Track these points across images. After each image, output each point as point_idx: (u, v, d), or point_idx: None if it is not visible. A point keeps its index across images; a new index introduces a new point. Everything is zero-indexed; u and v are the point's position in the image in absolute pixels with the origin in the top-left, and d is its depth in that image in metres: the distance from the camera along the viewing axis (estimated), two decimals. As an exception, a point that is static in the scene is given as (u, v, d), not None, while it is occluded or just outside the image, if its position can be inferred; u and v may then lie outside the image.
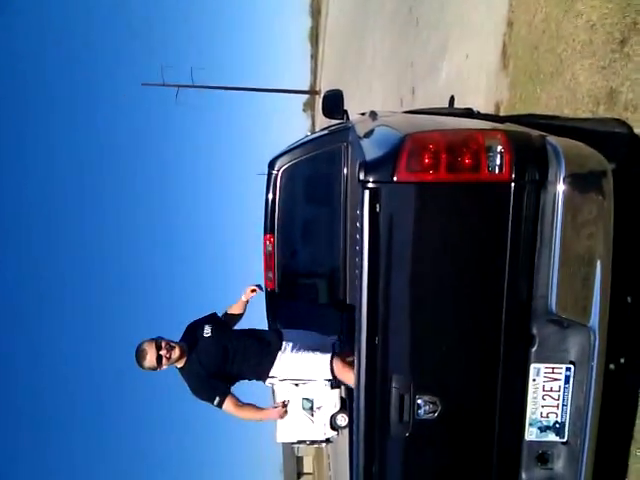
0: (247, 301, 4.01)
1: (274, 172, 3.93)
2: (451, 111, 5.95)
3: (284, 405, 3.78)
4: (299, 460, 41.75)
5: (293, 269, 4.05)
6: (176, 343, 3.66)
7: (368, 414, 2.12)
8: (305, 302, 4.07)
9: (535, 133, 2.20)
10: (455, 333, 2.15)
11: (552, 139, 2.11)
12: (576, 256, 2.04)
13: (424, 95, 8.83)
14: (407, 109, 10.11)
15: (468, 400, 2.19)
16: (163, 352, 3.56)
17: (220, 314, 4.03)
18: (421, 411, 2.12)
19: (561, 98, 3.99)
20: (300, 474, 43.73)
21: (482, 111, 5.68)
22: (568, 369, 2.14)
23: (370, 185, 2.06)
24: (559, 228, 2.04)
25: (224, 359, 3.65)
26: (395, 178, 2.05)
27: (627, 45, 3.17)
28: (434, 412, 2.12)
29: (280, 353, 3.64)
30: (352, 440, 2.23)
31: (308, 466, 42.76)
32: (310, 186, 4.12)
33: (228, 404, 3.65)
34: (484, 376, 2.16)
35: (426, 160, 2.07)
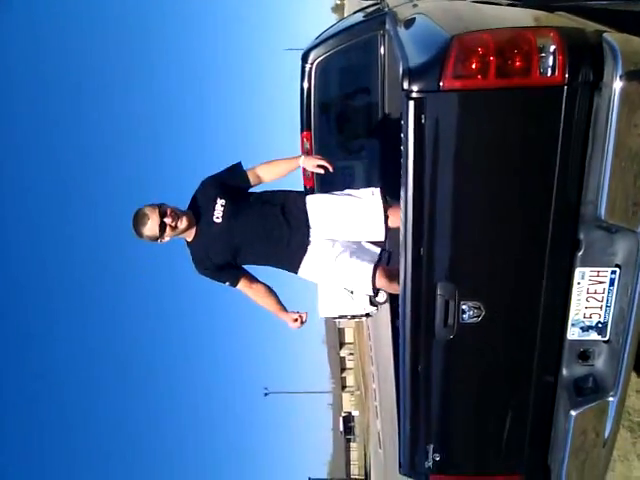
0: (294, 169, 3.27)
1: (308, 65, 3.80)
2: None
3: (302, 321, 3.26)
4: (341, 331, 44.12)
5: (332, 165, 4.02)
6: (183, 212, 3.09)
7: (414, 320, 2.21)
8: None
9: (591, 29, 2.06)
10: (501, 240, 2.17)
11: (609, 36, 1.97)
12: (629, 163, 1.98)
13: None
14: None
15: (512, 304, 2.25)
16: (168, 220, 2.99)
17: (246, 167, 3.25)
18: (465, 315, 2.19)
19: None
20: (342, 344, 46.45)
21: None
22: (613, 272, 2.15)
23: (414, 95, 1.99)
24: (612, 133, 1.96)
25: (234, 255, 3.18)
26: (441, 86, 1.98)
27: None
28: (478, 316, 2.19)
29: (306, 257, 3.15)
30: (399, 343, 2.34)
31: (349, 336, 45.27)
32: (346, 79, 4.00)
33: (242, 286, 3.23)
34: (528, 280, 2.20)
35: (474, 65, 1.98)
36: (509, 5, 3.07)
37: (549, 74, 1.97)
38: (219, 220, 3.09)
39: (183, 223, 3.05)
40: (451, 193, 2.11)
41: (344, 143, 4.10)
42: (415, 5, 3.51)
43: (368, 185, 3.39)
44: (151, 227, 3.00)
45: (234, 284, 3.21)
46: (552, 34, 1.98)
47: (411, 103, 2.00)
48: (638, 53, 2.02)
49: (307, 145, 3.86)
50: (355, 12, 4.84)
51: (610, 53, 1.96)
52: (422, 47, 2.20)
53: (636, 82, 1.98)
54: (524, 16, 2.47)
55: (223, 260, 3.17)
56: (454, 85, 1.98)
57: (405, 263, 2.14)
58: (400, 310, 2.26)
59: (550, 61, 1.96)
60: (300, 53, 3.81)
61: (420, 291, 2.17)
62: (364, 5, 4.75)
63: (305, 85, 3.77)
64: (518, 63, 1.98)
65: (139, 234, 3.04)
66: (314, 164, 3.20)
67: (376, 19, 3.74)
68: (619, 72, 1.95)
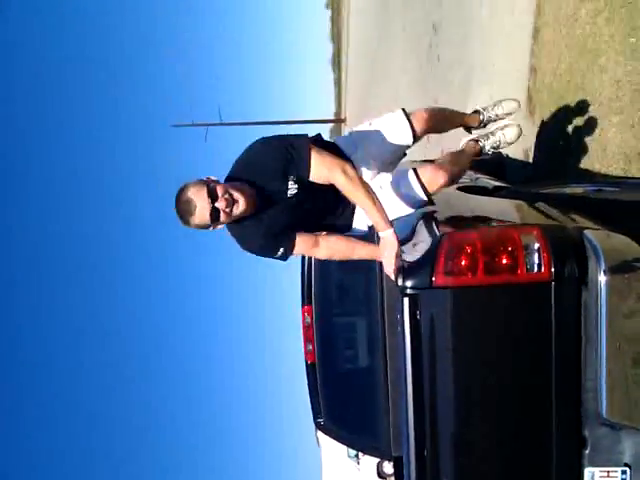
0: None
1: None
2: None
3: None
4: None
5: (333, 341, 4.03)
6: (240, 191, 2.52)
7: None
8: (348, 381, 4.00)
9: (571, 226, 2.19)
10: (505, 440, 2.12)
11: (590, 234, 2.09)
12: (623, 355, 2.00)
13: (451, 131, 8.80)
14: (434, 146, 10.11)
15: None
16: (221, 204, 2.45)
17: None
18: (474, 517, 2.09)
19: (591, 151, 3.94)
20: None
21: (511, 156, 5.66)
22: (624, 472, 2.08)
23: (409, 292, 2.07)
24: (603, 328, 2.01)
25: (299, 221, 2.76)
26: (433, 282, 2.06)
27: (656, 105, 3.13)
28: (485, 516, 2.09)
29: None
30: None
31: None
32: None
33: (299, 246, 2.72)
34: (537, 480, 2.12)
35: (463, 262, 2.07)
36: (494, 189, 3.27)
37: (535, 271, 2.06)
38: (293, 193, 2.64)
39: (240, 207, 2.51)
40: (450, 387, 2.11)
41: (344, 319, 4.14)
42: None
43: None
44: (200, 215, 2.47)
45: (289, 250, 2.71)
46: (535, 232, 2.09)
47: (406, 299, 2.07)
48: (618, 250, 2.13)
49: (308, 319, 3.91)
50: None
51: (592, 250, 2.06)
52: (413, 243, 2.32)
53: (620, 276, 2.06)
54: (507, 209, 2.63)
55: (284, 226, 2.72)
56: (446, 282, 2.06)
57: (409, 464, 2.08)
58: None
59: (536, 258, 2.06)
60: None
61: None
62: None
63: (306, 261, 3.90)
64: (505, 261, 2.07)
65: (186, 223, 2.52)
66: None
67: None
68: (602, 267, 2.03)
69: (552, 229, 2.16)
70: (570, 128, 4.34)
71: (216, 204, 2.45)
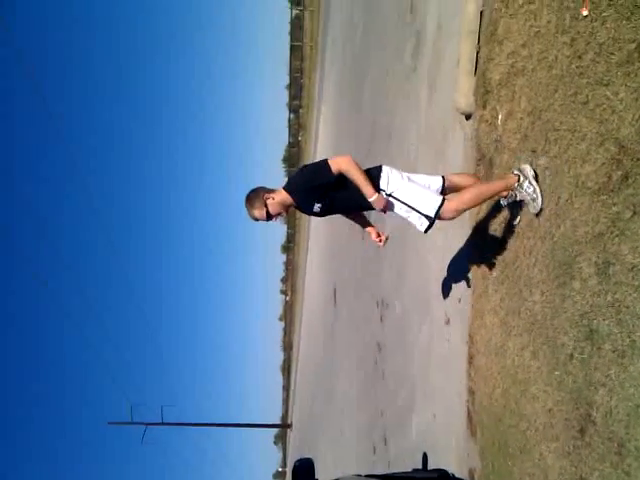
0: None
1: None
2: (424, 476, 5.85)
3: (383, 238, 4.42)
4: None
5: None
6: (281, 208, 4.23)
7: None
8: None
9: None
10: None
11: None
12: None
13: (396, 445, 8.73)
14: (381, 456, 9.94)
15: None
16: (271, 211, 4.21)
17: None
18: None
19: (533, 476, 3.97)
20: None
21: (456, 474, 5.59)
22: None
23: None
24: None
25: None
26: None
27: (587, 434, 3.29)
28: None
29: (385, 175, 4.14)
30: None
31: None
32: None
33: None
34: None
35: None
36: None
37: None
38: (317, 211, 4.27)
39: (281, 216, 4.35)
40: None
41: None
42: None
43: None
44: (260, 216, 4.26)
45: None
46: None
47: None
48: None
49: None
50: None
51: None
52: None
53: None
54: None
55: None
56: None
57: None
58: None
59: None
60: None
61: None
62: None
63: None
64: None
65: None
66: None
67: None
68: None
69: None
70: (511, 451, 4.43)
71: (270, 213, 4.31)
